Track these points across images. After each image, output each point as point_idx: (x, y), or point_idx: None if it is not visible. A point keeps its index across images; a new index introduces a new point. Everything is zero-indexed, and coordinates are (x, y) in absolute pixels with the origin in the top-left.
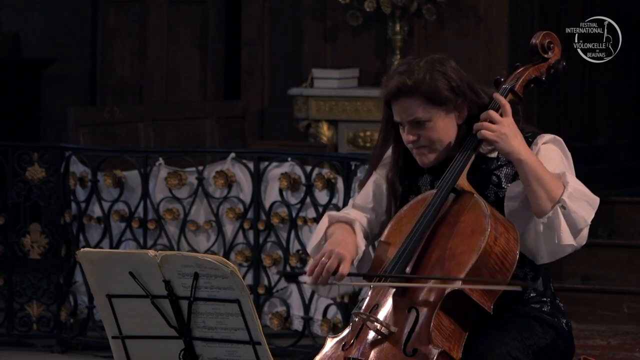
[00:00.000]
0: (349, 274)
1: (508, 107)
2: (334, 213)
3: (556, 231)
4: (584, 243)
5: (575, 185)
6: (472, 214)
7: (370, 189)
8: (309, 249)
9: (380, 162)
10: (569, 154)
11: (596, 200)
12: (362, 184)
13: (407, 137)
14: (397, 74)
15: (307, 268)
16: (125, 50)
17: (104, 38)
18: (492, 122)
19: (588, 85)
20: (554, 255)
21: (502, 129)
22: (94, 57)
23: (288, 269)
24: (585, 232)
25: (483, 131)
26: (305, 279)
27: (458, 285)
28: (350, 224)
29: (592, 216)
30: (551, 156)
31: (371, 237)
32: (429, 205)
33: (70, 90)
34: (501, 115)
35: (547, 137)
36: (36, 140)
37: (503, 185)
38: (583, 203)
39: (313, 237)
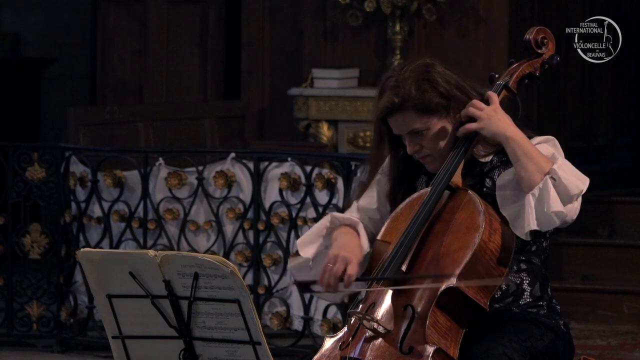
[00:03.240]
0: (357, 279)
1: (495, 97)
2: (337, 214)
3: (545, 200)
4: (575, 216)
5: (564, 161)
6: (467, 210)
7: (375, 190)
8: (298, 241)
9: (380, 169)
10: (562, 152)
11: (586, 179)
12: (362, 185)
13: (409, 148)
14: (387, 90)
15: (318, 277)
16: (125, 50)
17: (104, 38)
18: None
19: (588, 85)
20: (542, 223)
21: (484, 114)
22: (94, 57)
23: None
24: (576, 204)
25: (467, 126)
26: (317, 287)
27: (453, 282)
28: (353, 226)
29: (584, 189)
30: (541, 150)
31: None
32: (423, 203)
33: (70, 90)
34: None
35: (540, 138)
36: (36, 140)
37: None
38: (573, 177)
39: (310, 231)
